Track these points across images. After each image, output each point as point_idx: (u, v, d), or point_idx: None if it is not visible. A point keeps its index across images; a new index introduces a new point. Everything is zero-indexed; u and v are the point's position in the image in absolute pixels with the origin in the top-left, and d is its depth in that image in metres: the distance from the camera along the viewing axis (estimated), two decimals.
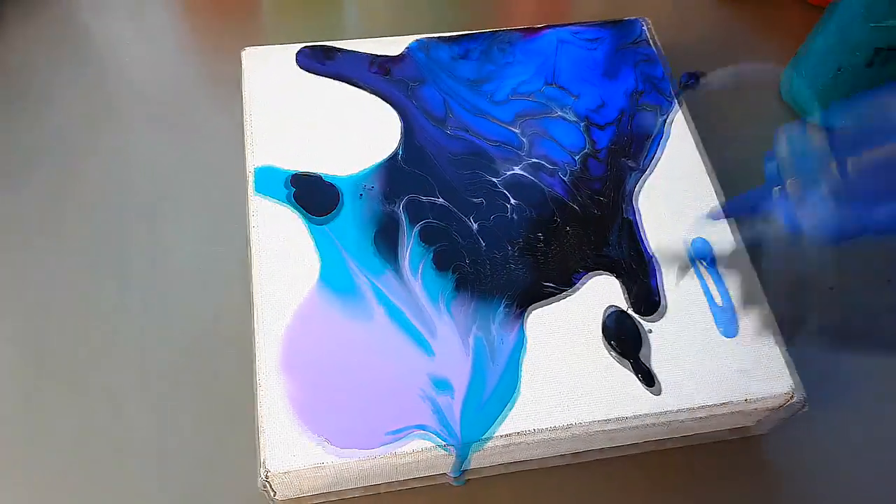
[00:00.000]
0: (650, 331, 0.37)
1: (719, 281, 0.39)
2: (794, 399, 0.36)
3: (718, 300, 0.39)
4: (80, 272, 0.42)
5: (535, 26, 0.47)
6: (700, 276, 0.39)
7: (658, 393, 0.36)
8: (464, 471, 0.37)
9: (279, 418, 0.34)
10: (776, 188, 0.33)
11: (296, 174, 0.41)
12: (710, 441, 0.39)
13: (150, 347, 0.40)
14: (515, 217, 0.40)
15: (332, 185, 0.40)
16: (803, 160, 0.31)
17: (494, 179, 0.41)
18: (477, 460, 0.36)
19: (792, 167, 0.32)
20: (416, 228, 0.40)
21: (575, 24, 0.47)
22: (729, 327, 0.38)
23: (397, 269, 0.38)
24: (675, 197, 0.41)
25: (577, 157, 0.42)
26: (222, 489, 0.37)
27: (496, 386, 0.36)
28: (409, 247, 0.39)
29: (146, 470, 0.37)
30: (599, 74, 0.46)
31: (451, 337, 0.37)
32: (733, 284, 0.39)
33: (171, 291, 0.41)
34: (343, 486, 0.36)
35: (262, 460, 0.33)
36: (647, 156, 0.43)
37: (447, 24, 0.48)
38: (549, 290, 0.38)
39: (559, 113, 0.44)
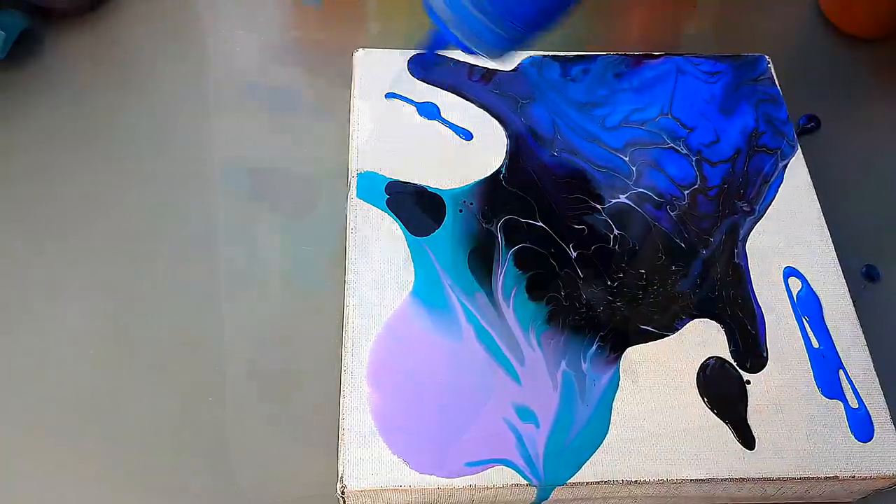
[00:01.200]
0: (748, 382, 0.36)
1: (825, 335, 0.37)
2: None
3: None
4: (171, 261, 0.42)
5: (653, 53, 0.45)
6: (803, 331, 0.37)
7: (754, 451, 0.34)
8: None
9: (362, 433, 0.33)
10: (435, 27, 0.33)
11: (399, 183, 0.40)
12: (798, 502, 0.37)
13: (235, 345, 0.39)
14: (618, 249, 0.39)
15: (437, 198, 0.39)
16: None
17: (599, 206, 0.40)
18: (554, 499, 0.34)
19: None
20: (512, 251, 0.38)
21: (695, 55, 0.46)
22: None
23: (490, 292, 0.37)
24: (788, 247, 0.39)
25: (686, 192, 0.41)
26: (294, 495, 0.36)
27: (585, 426, 0.34)
28: (504, 270, 0.38)
29: (219, 468, 0.36)
30: (716, 109, 0.44)
31: (539, 368, 0.35)
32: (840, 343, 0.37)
33: (261, 288, 0.41)
34: None
35: (340, 475, 0.33)
36: (763, 200, 0.41)
37: (548, 44, 0.47)
38: (649, 333, 0.37)
39: (671, 144, 0.42)
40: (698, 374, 0.36)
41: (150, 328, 0.40)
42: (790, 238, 0.40)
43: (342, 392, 0.34)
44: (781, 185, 0.41)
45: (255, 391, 0.38)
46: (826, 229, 0.40)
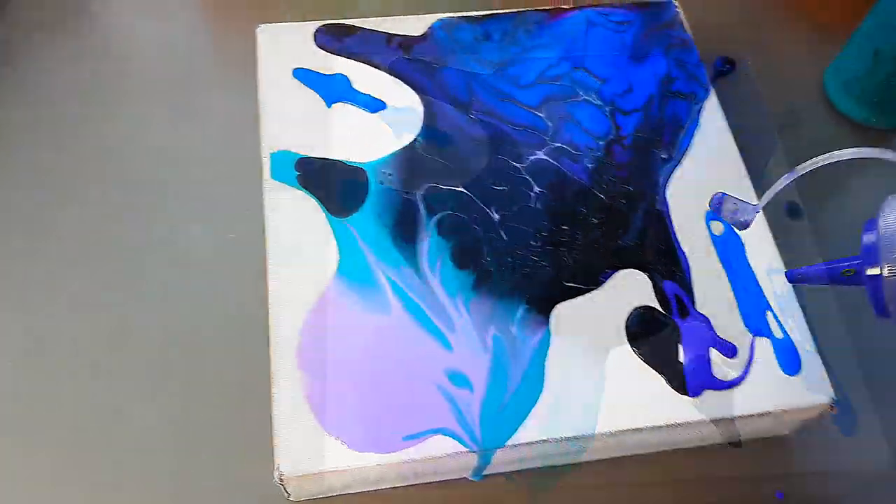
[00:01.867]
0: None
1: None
2: (834, 410, 0.35)
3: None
4: (90, 260, 0.40)
5: (562, 6, 0.45)
6: (729, 272, 0.38)
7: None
8: (483, 471, 0.35)
9: (295, 418, 0.33)
10: (871, 269, 0.29)
11: (314, 159, 0.39)
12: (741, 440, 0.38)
13: (162, 338, 0.38)
14: (539, 206, 0.38)
15: (359, 171, 0.38)
16: None
17: (518, 165, 0.40)
18: (497, 461, 0.34)
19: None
20: (435, 219, 0.38)
21: (603, 5, 0.45)
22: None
23: (415, 264, 0.36)
24: (708, 190, 0.39)
25: (601, 143, 0.41)
26: (236, 486, 0.35)
27: (518, 387, 0.34)
28: (428, 240, 0.37)
29: (158, 465, 0.35)
30: (627, 58, 0.44)
31: (469, 333, 0.35)
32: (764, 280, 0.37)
33: (184, 280, 0.40)
34: (361, 488, 0.35)
35: (276, 463, 0.32)
36: (679, 146, 0.41)
37: (464, 4, 0.46)
38: (575, 289, 0.37)
39: (584, 97, 0.42)
40: (627, 324, 0.36)
41: (74, 325, 0.38)
42: (709, 182, 0.40)
43: (272, 378, 0.34)
44: (697, 130, 0.41)
45: (189, 387, 0.37)
46: (744, 170, 0.40)
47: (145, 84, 0.46)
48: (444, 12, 0.44)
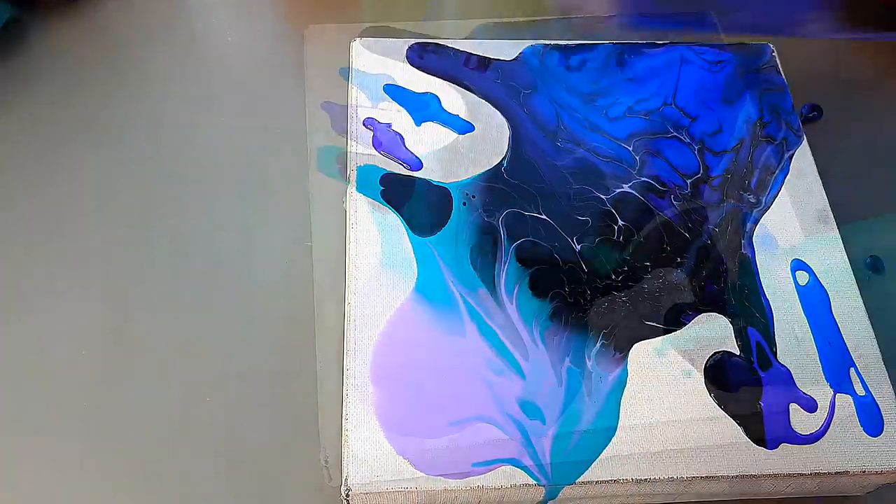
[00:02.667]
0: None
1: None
2: None
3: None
4: (167, 258, 0.40)
5: (656, 42, 0.45)
6: (812, 324, 0.37)
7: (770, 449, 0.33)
8: None
9: (366, 434, 0.32)
10: None
11: (400, 176, 0.39)
12: (808, 496, 0.37)
13: (231, 344, 0.38)
14: (622, 240, 0.38)
15: (443, 191, 0.39)
16: None
17: (603, 196, 0.39)
18: (563, 497, 0.34)
19: None
20: (515, 245, 0.38)
21: (698, 43, 0.45)
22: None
23: (492, 288, 0.36)
24: (794, 239, 0.39)
25: (689, 181, 0.40)
26: (296, 500, 0.35)
27: (592, 423, 0.34)
28: (506, 265, 0.37)
29: (217, 470, 0.36)
30: (720, 99, 0.43)
31: (544, 364, 0.35)
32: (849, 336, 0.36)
33: (258, 287, 0.40)
34: None
35: (344, 476, 0.32)
36: (769, 192, 0.40)
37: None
38: (654, 328, 0.36)
39: (674, 133, 0.41)
40: (706, 369, 0.35)
41: (147, 324, 0.39)
42: (797, 230, 0.39)
43: (345, 393, 0.34)
44: (787, 176, 0.41)
45: (255, 392, 0.37)
46: (833, 221, 0.40)
47: (231, 85, 0.47)
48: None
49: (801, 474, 0.33)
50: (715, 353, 0.36)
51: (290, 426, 0.37)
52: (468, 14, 0.44)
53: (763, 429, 0.34)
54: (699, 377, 0.35)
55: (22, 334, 0.38)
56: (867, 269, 0.43)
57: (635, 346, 0.35)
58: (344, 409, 0.33)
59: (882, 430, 0.34)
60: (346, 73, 0.41)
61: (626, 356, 0.35)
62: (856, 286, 0.38)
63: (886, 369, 0.36)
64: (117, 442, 0.36)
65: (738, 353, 0.35)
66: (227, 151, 0.44)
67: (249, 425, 0.36)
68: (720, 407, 0.34)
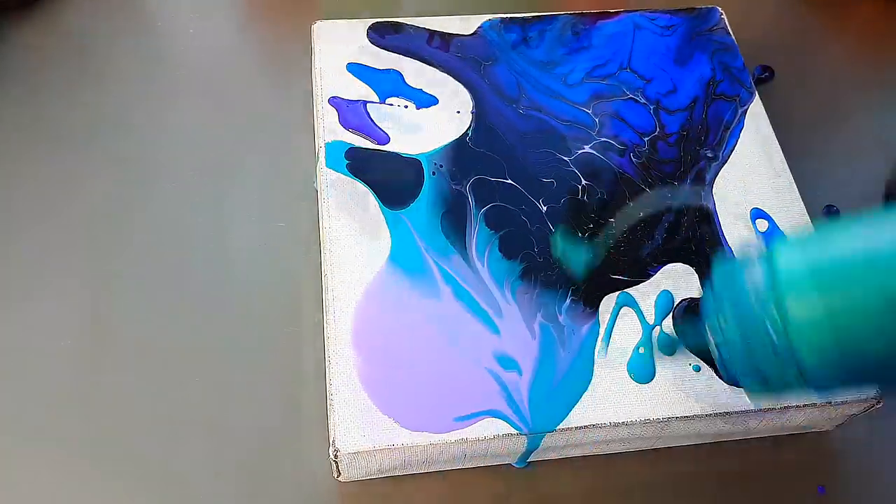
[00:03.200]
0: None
1: None
2: (880, 404, 0.35)
3: None
4: (141, 246, 0.41)
5: (609, 10, 0.46)
6: None
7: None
8: (528, 457, 0.36)
9: (350, 396, 0.33)
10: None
11: (369, 150, 0.40)
12: (779, 434, 0.38)
13: (215, 323, 0.39)
14: (586, 199, 0.39)
15: (414, 162, 0.39)
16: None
17: (566, 158, 0.40)
18: (544, 447, 0.35)
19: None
20: (483, 211, 0.39)
21: (650, 10, 0.46)
22: None
23: (464, 253, 0.37)
24: (753, 188, 0.40)
25: (646, 139, 0.41)
26: (287, 468, 0.36)
27: (567, 373, 0.35)
28: (476, 230, 0.38)
29: (209, 443, 0.36)
30: (672, 61, 0.44)
31: (517, 319, 0.36)
32: None
33: (236, 268, 0.41)
34: (408, 471, 0.35)
35: (331, 438, 0.33)
36: (725, 146, 0.41)
37: (506, 6, 0.47)
38: (622, 281, 0.37)
39: (630, 95, 0.43)
40: (675, 316, 0.36)
41: (127, 312, 0.39)
42: (754, 180, 0.41)
43: (327, 358, 0.34)
44: (742, 131, 0.42)
45: (243, 368, 0.38)
46: (788, 171, 0.41)
47: (196, 80, 0.47)
48: (482, 13, 0.45)
49: (771, 409, 0.35)
50: (682, 300, 0.37)
51: (277, 414, 0.37)
52: (460, 11, 0.46)
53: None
54: (668, 324, 0.36)
55: (5, 324, 0.38)
56: (825, 218, 0.45)
57: (604, 298, 0.37)
58: (327, 373, 0.34)
59: None
60: (354, 68, 0.42)
61: (596, 310, 0.36)
62: (814, 230, 0.39)
63: None
64: (104, 433, 0.36)
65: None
66: (195, 143, 0.45)
67: (239, 411, 0.37)
68: (691, 351, 0.36)
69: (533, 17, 0.45)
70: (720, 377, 0.34)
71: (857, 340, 0.24)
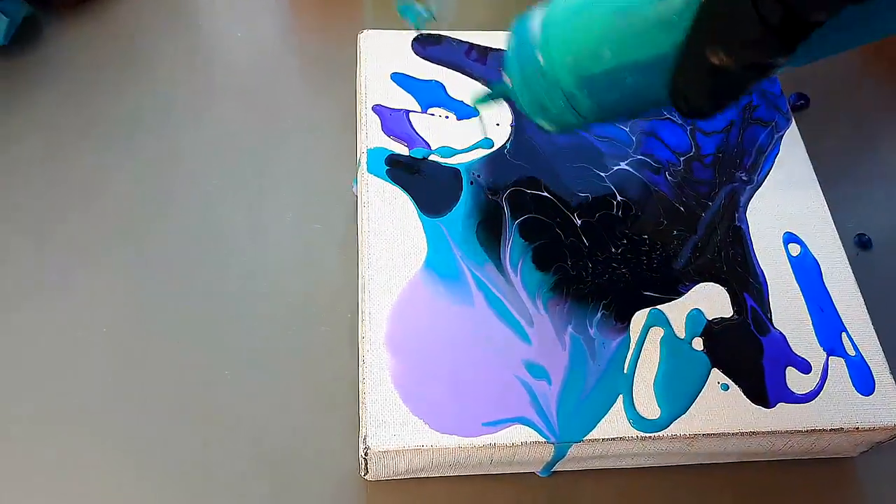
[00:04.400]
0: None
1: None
2: None
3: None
4: (180, 244, 0.42)
5: None
6: (805, 292, 0.39)
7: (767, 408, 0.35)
8: (553, 466, 0.36)
9: (383, 395, 0.34)
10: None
11: (410, 158, 0.40)
12: (804, 458, 0.38)
13: (250, 321, 0.40)
14: (621, 215, 0.40)
15: (454, 171, 0.40)
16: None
17: (602, 174, 0.41)
18: (570, 458, 0.35)
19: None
20: (518, 222, 0.39)
21: None
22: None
23: (498, 262, 0.38)
24: (786, 214, 0.41)
25: (682, 159, 0.42)
26: (314, 464, 0.36)
27: (596, 385, 0.35)
28: (511, 240, 0.39)
29: (240, 437, 0.37)
30: None
31: (548, 330, 0.36)
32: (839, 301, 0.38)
33: (272, 268, 0.41)
34: (433, 473, 0.36)
35: (363, 436, 0.33)
36: (760, 170, 0.42)
37: None
38: (653, 298, 0.38)
39: (667, 116, 0.43)
40: (706, 334, 0.37)
41: (165, 309, 0.40)
42: (788, 206, 0.41)
43: (361, 358, 0.35)
44: (778, 156, 0.43)
45: (275, 365, 0.39)
46: (822, 197, 0.41)
47: (241, 83, 0.49)
48: None
49: (798, 431, 0.35)
50: (714, 319, 0.37)
51: (309, 412, 0.38)
52: (492, 22, 0.47)
53: (762, 389, 0.36)
54: (699, 343, 0.37)
55: (46, 318, 0.39)
56: (855, 246, 0.45)
57: (636, 314, 0.37)
58: (361, 373, 0.35)
59: (873, 389, 0.36)
60: (398, 77, 0.43)
61: (627, 325, 0.37)
62: (845, 257, 0.40)
63: (876, 334, 0.38)
64: (137, 428, 0.37)
65: (735, 318, 0.37)
66: (237, 144, 0.46)
67: (271, 408, 0.38)
68: (720, 370, 0.36)
69: None
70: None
71: (591, 51, 0.29)
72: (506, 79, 0.34)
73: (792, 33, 0.23)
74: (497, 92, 0.37)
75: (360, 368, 0.35)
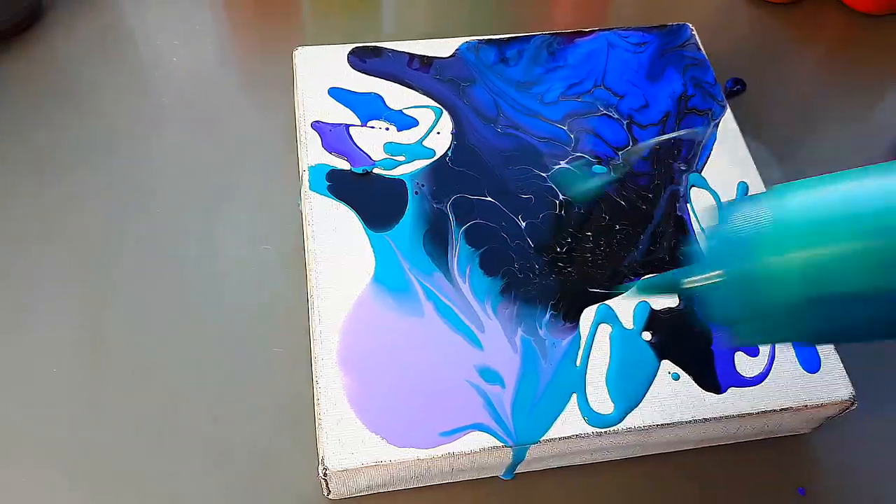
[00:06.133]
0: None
1: None
2: (854, 406, 0.36)
3: None
4: (132, 271, 0.42)
5: (583, 30, 0.47)
6: None
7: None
8: (515, 469, 0.37)
9: (338, 415, 0.34)
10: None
11: (352, 172, 0.41)
12: (759, 438, 0.39)
13: (205, 344, 0.40)
14: (564, 214, 0.40)
15: (398, 182, 0.40)
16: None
17: (543, 174, 0.41)
18: (529, 459, 0.36)
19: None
20: (464, 229, 0.39)
21: (623, 28, 0.48)
22: None
23: (446, 271, 0.38)
24: (724, 196, 0.41)
25: (620, 154, 0.43)
26: (276, 486, 0.36)
27: (549, 385, 0.36)
28: (458, 248, 0.39)
29: (201, 463, 0.37)
30: (644, 77, 0.46)
31: (499, 334, 0.37)
32: None
33: (224, 291, 0.41)
34: (396, 486, 0.36)
35: (321, 457, 0.33)
36: (699, 159, 0.43)
37: (484, 28, 0.48)
38: (600, 294, 0.38)
39: (604, 111, 0.44)
40: (654, 326, 0.37)
41: (119, 334, 0.40)
42: (727, 189, 0.42)
43: (315, 379, 0.35)
44: (715, 144, 0.43)
45: (233, 389, 0.39)
46: (761, 182, 0.42)
47: (179, 103, 0.48)
48: (472, 36, 0.46)
49: (749, 414, 0.36)
50: (661, 310, 0.38)
51: (268, 434, 0.38)
52: (434, 34, 0.47)
53: (713, 375, 0.36)
54: (648, 334, 0.37)
55: None
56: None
57: (584, 311, 0.38)
58: (315, 393, 0.35)
59: (819, 366, 0.37)
60: (335, 92, 0.43)
61: (576, 323, 0.37)
62: None
63: None
64: (98, 452, 0.37)
65: (681, 307, 0.38)
66: (182, 168, 0.45)
67: (230, 431, 0.38)
68: (670, 360, 0.37)
69: (509, 37, 0.46)
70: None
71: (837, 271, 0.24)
72: (697, 278, 0.29)
73: None
74: (671, 285, 0.33)
75: (315, 388, 0.35)
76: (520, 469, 0.37)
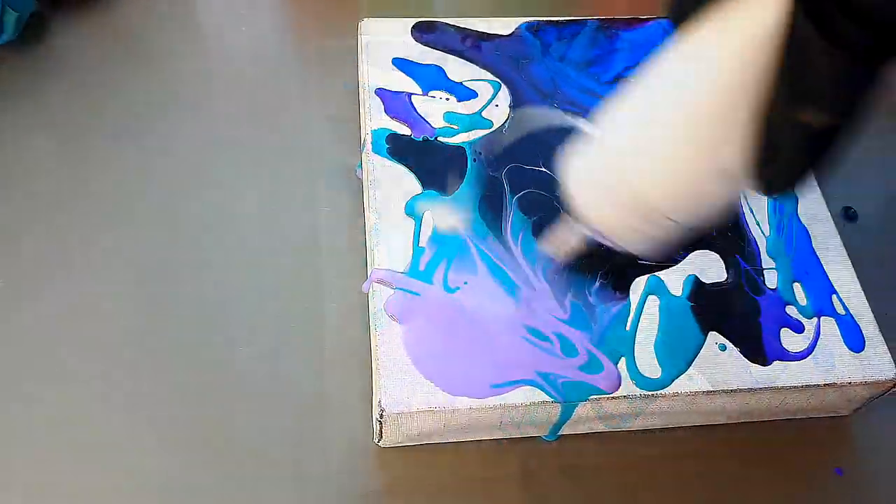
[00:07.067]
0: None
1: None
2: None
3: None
4: (191, 234, 0.43)
5: (640, 17, 0.48)
6: (795, 257, 0.40)
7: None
8: (560, 429, 0.38)
9: (396, 361, 0.35)
10: None
11: (413, 138, 0.42)
12: (799, 417, 0.40)
13: (267, 297, 0.41)
14: None
15: (459, 149, 0.42)
16: None
17: None
18: (575, 418, 0.36)
19: None
20: (517, 197, 0.41)
21: None
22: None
23: (499, 235, 0.39)
24: None
25: None
26: (329, 432, 0.38)
27: (598, 347, 0.36)
28: (511, 215, 0.40)
29: (256, 408, 0.38)
30: None
31: (549, 297, 0.38)
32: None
33: (283, 251, 0.43)
34: (444, 439, 0.37)
35: (377, 400, 0.34)
36: None
37: (541, 10, 0.49)
38: (650, 266, 0.39)
39: None
40: (704, 296, 0.38)
41: (177, 293, 0.41)
42: None
43: (373, 327, 0.36)
44: None
45: (289, 342, 0.40)
46: None
47: (245, 75, 0.50)
48: (533, 16, 0.48)
49: (795, 387, 0.36)
50: (712, 283, 0.39)
51: (323, 381, 0.39)
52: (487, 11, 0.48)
53: (759, 347, 0.37)
54: (697, 306, 0.38)
55: (58, 310, 0.40)
56: (842, 219, 0.46)
57: (634, 282, 0.38)
58: (374, 342, 0.36)
59: (864, 346, 0.38)
60: (399, 62, 0.45)
61: (626, 292, 0.38)
62: (833, 225, 0.41)
63: (865, 295, 0.39)
64: (157, 404, 0.38)
65: (730, 281, 0.39)
66: (244, 135, 0.47)
67: (287, 379, 0.39)
68: (717, 331, 0.37)
69: (568, 20, 0.48)
70: None
71: None
72: None
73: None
74: None
75: (373, 337, 0.36)
76: (564, 430, 0.38)
